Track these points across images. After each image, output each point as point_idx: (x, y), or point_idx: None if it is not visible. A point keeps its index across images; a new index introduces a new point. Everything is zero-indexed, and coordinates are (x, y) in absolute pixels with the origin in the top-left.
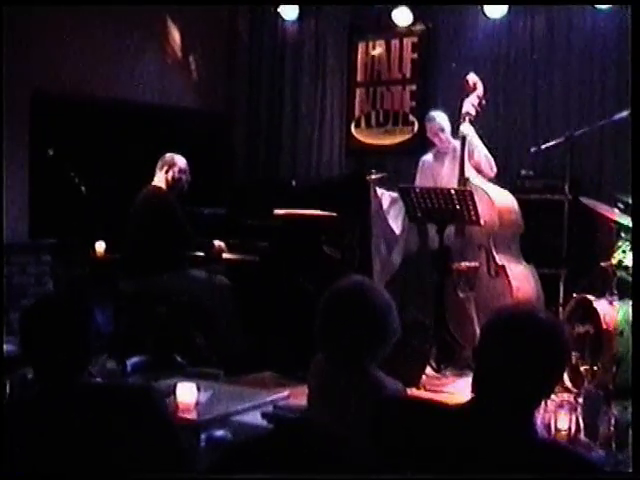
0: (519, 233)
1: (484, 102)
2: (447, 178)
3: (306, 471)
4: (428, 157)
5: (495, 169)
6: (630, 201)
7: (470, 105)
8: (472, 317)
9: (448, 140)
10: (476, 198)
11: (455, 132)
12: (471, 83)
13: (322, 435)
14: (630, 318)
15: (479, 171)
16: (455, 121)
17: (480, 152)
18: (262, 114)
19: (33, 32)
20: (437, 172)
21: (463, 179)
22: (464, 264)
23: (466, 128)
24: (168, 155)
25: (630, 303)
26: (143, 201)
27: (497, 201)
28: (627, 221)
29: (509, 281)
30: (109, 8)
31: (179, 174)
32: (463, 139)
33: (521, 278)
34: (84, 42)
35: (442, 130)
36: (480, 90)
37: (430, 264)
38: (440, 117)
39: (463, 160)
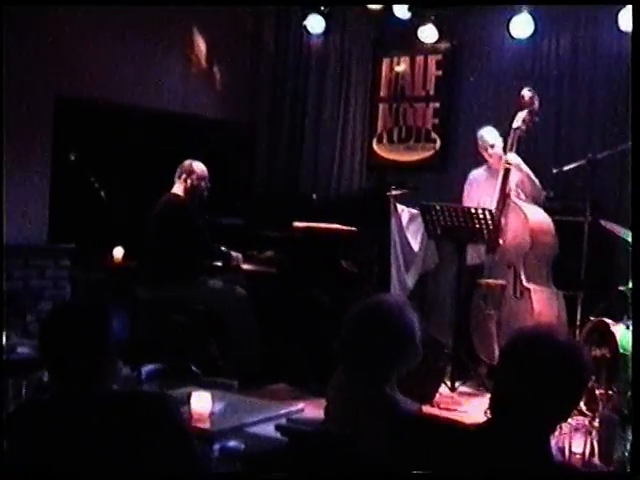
0: (552, 256)
1: (536, 119)
2: (493, 195)
3: None
4: (478, 172)
5: (543, 196)
6: (631, 217)
7: (521, 120)
8: (493, 334)
9: (499, 156)
10: (511, 215)
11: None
12: (527, 98)
13: (339, 447)
14: None
15: (526, 196)
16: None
17: (527, 181)
18: (284, 126)
19: (57, 38)
20: (486, 188)
21: (503, 197)
22: (491, 281)
23: (512, 158)
24: (187, 162)
25: None
26: (161, 209)
27: (532, 221)
28: None
29: (532, 304)
30: (135, 15)
31: (198, 181)
32: (506, 170)
33: (545, 303)
34: (108, 48)
35: (492, 147)
36: (536, 106)
37: (449, 281)
38: (489, 133)
39: (504, 188)
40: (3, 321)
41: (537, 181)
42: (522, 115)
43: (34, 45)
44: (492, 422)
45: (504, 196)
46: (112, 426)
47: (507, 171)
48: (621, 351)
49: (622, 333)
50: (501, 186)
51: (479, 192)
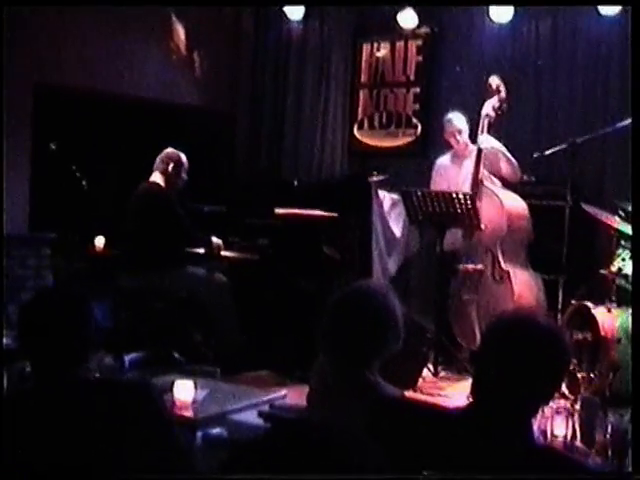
0: (528, 240)
1: (505, 106)
2: (462, 181)
3: (305, 470)
4: (444, 159)
5: (519, 173)
6: (631, 209)
7: (490, 108)
8: (473, 319)
9: (465, 143)
10: (486, 201)
11: (473, 136)
12: (494, 86)
13: (321, 434)
14: (628, 326)
15: (501, 177)
16: (471, 124)
17: (502, 159)
18: (265, 113)
19: (36, 26)
20: (452, 175)
21: (476, 183)
22: (469, 266)
23: (485, 140)
24: (167, 150)
25: (629, 311)
26: (141, 197)
27: (507, 206)
28: (628, 229)
29: (512, 287)
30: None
31: (178, 170)
32: (479, 151)
33: (524, 285)
34: (88, 36)
35: (459, 132)
36: (503, 94)
37: (431, 266)
38: (457, 119)
39: (477, 171)
40: (4, 311)
41: (512, 159)
42: (490, 103)
43: (13, 34)
44: (474, 406)
45: (477, 182)
46: (94, 414)
47: (479, 152)
48: (602, 334)
49: (603, 316)
50: (474, 171)
51: (446, 179)
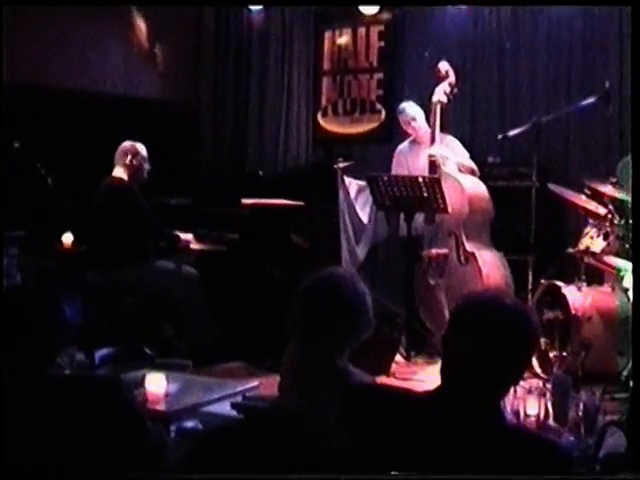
0: (489, 220)
1: (456, 90)
2: (422, 167)
3: (278, 459)
4: (404, 146)
5: (478, 172)
6: (597, 188)
7: (442, 93)
8: (442, 304)
9: (422, 129)
10: (446, 185)
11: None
12: (443, 71)
13: (293, 422)
14: (599, 304)
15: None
16: (425, 108)
17: (458, 164)
18: (228, 103)
19: None
20: (412, 161)
21: (434, 167)
22: (434, 251)
23: (435, 151)
24: (128, 143)
25: (599, 289)
26: (104, 192)
27: (467, 188)
28: (593, 207)
29: (479, 268)
30: None
31: (141, 162)
32: (432, 163)
33: (491, 265)
34: (49, 32)
35: (414, 120)
36: (452, 78)
37: (400, 252)
38: (409, 107)
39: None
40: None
41: (469, 163)
42: (441, 88)
43: None
44: (442, 388)
45: (434, 168)
46: (65, 410)
47: (432, 163)
48: (573, 313)
49: (573, 295)
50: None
51: (405, 166)
